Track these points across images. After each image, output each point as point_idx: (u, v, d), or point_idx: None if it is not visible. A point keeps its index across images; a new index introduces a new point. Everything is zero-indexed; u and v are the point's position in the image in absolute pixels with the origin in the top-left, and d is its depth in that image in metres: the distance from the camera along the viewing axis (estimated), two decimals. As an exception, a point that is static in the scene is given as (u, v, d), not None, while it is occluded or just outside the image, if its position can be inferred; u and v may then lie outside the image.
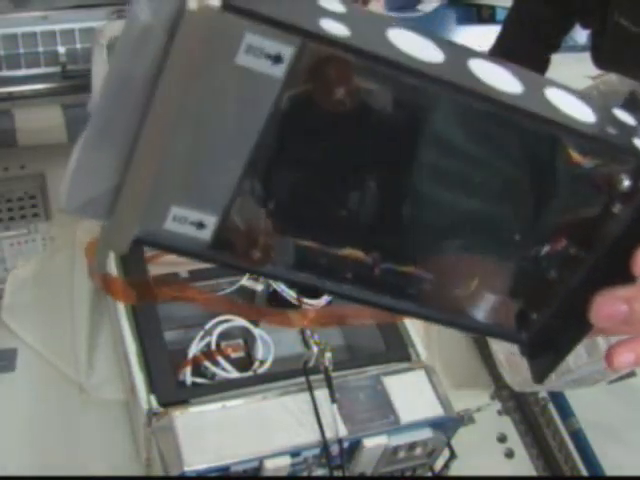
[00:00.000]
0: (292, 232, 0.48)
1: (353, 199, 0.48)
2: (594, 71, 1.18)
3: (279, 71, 0.40)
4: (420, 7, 1.91)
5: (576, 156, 0.46)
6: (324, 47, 0.40)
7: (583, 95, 0.47)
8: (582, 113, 0.45)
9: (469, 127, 0.46)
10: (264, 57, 0.39)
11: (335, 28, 0.41)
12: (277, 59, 0.40)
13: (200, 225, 0.45)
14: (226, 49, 0.39)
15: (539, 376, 0.55)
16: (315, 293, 1.18)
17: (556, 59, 1.30)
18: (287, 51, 0.40)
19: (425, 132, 0.47)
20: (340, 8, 0.43)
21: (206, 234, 0.46)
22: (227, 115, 0.42)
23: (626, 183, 0.45)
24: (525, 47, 1.25)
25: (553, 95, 0.46)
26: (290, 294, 1.14)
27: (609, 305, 0.47)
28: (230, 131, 0.43)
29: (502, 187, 0.49)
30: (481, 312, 0.53)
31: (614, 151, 0.45)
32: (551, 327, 0.54)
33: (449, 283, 0.52)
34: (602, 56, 1.11)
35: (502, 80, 0.44)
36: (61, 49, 1.40)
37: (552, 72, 1.31)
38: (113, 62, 0.41)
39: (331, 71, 0.41)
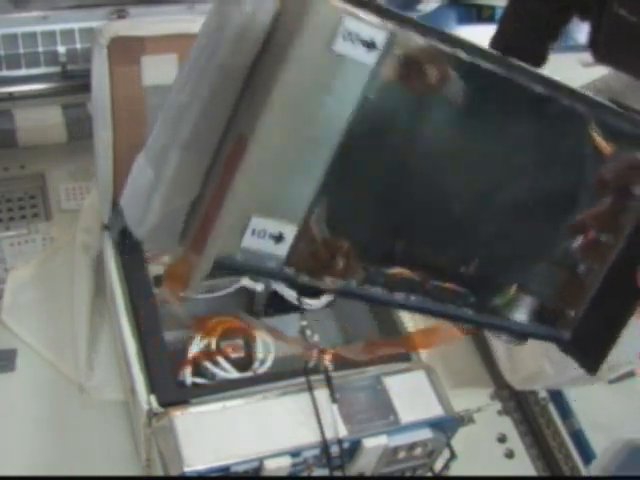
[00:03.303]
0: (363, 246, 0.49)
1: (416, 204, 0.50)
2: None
3: (372, 58, 0.42)
4: (420, 7, 1.91)
5: (603, 144, 0.51)
6: (416, 35, 0.43)
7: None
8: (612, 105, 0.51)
9: (523, 121, 0.50)
10: (360, 43, 0.42)
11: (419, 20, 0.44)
12: (371, 45, 0.42)
13: (279, 238, 0.46)
14: (326, 36, 0.41)
15: (592, 366, 0.57)
16: (315, 293, 1.18)
17: (556, 59, 1.30)
18: (381, 37, 0.42)
19: (486, 127, 0.50)
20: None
21: (283, 249, 0.46)
22: (320, 107, 0.43)
23: None
24: (523, 41, 1.25)
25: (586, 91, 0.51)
26: (290, 294, 1.14)
27: None
28: (321, 123, 0.43)
29: (542, 188, 0.52)
30: (522, 315, 0.56)
31: None
32: (591, 318, 0.56)
33: (493, 290, 0.55)
34: (601, 49, 1.12)
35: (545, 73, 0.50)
36: (61, 49, 1.40)
37: (553, 71, 1.31)
38: (211, 56, 0.43)
39: (423, 57, 0.44)
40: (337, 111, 0.43)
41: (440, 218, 0.51)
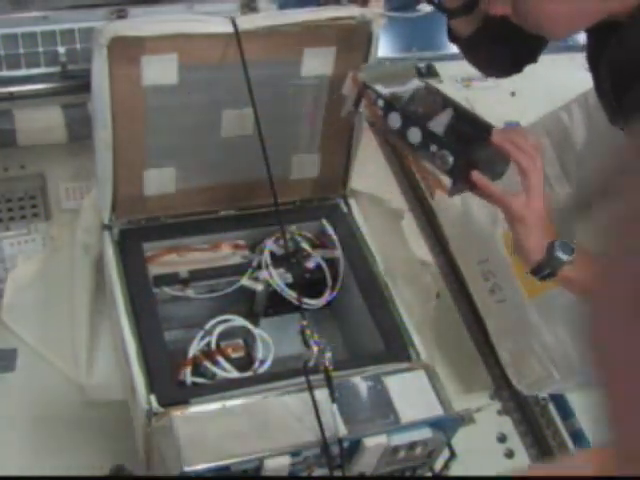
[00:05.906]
0: None
1: None
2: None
3: None
4: (420, 7, 1.91)
5: None
6: None
7: None
8: None
9: None
10: None
11: None
12: None
13: None
14: None
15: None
16: (315, 293, 1.18)
17: (557, 59, 1.30)
18: None
19: None
20: None
21: None
22: None
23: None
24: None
25: None
26: (290, 294, 1.14)
27: None
28: None
29: None
30: None
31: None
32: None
33: None
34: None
35: None
36: (61, 49, 1.40)
37: (552, 71, 1.31)
38: None
39: None
40: None
41: None
